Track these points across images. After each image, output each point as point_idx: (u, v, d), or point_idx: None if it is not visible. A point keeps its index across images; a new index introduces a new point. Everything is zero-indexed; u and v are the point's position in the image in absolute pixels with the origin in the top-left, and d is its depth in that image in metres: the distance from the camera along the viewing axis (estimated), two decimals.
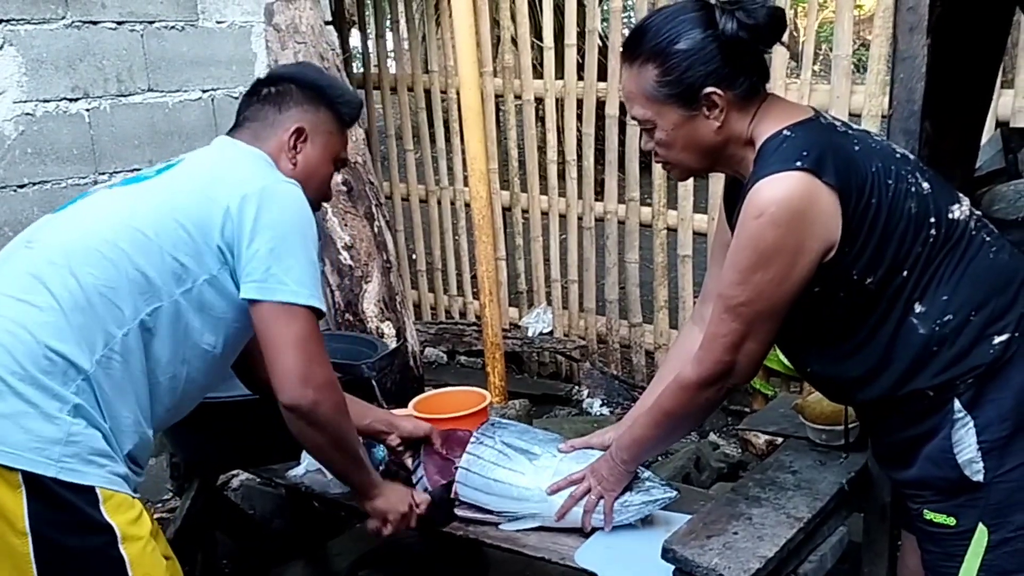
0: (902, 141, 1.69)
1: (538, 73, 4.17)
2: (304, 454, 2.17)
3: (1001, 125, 2.84)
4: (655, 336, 4.05)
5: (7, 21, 2.92)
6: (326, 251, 3.40)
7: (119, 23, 3.19)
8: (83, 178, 3.15)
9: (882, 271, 1.43)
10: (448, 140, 4.53)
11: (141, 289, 1.49)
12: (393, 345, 3.06)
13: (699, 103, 1.46)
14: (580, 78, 4.00)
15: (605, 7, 5.46)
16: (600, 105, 3.95)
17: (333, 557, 2.77)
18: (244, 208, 1.52)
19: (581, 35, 4.00)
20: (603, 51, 4.14)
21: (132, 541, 1.43)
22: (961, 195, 1.52)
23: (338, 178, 3.32)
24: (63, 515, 1.39)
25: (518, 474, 1.83)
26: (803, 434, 1.96)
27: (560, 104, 4.14)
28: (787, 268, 1.40)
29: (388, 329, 3.42)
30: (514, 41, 4.17)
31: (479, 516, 1.86)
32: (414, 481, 1.93)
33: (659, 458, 3.17)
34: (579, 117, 4.04)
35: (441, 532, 1.89)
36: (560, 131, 4.21)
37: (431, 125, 4.59)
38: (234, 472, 3.07)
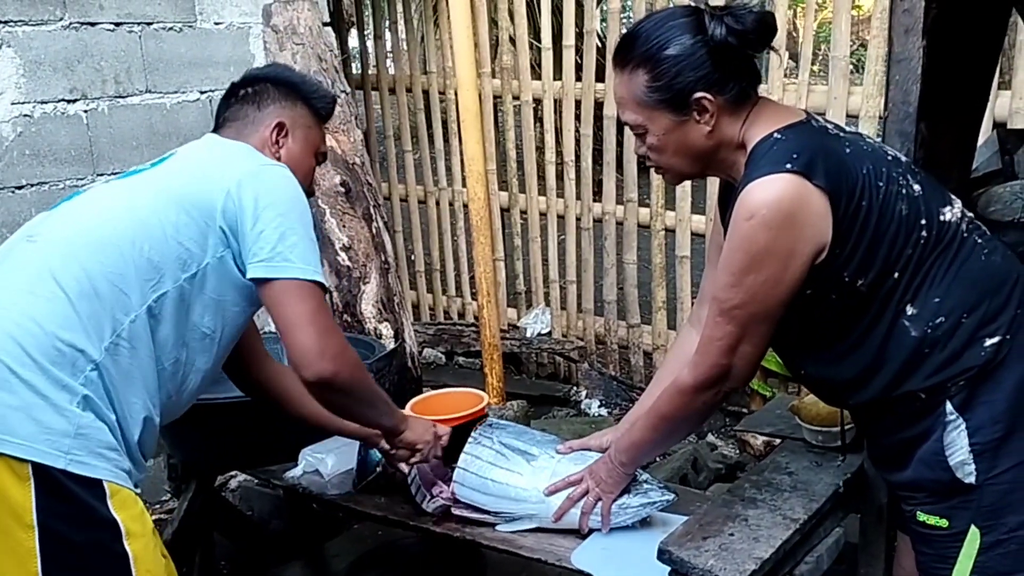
0: (898, 143, 1.69)
1: (536, 74, 4.17)
2: (302, 455, 2.17)
3: (998, 126, 2.84)
4: (653, 337, 4.05)
5: (5, 23, 2.92)
6: (324, 252, 3.40)
7: (117, 24, 3.19)
8: (81, 179, 3.15)
9: (873, 273, 1.43)
10: (447, 141, 4.53)
11: (148, 276, 1.51)
12: (391, 346, 3.05)
13: (689, 108, 1.46)
14: (578, 79, 4.00)
15: (603, 8, 5.45)
16: (598, 106, 3.96)
17: (331, 558, 2.77)
18: (243, 190, 1.56)
19: (579, 36, 4.00)
20: (601, 52, 4.15)
21: (136, 537, 1.44)
22: (953, 197, 1.52)
23: (336, 179, 3.33)
24: (70, 508, 1.39)
25: (516, 475, 1.83)
26: (800, 435, 1.96)
27: (558, 105, 4.14)
28: (779, 270, 1.41)
29: (386, 330, 3.42)
30: (512, 42, 4.17)
31: (476, 516, 1.87)
32: (409, 482, 1.93)
33: (657, 459, 3.17)
34: (577, 118, 4.04)
35: (438, 533, 1.90)
36: (558, 132, 4.21)
37: (429, 126, 4.59)
38: (232, 473, 3.07)
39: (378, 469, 2.06)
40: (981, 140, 2.25)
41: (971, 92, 2.00)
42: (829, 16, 4.05)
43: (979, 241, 1.49)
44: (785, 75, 3.56)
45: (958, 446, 1.43)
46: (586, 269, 4.22)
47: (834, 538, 1.74)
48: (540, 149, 4.29)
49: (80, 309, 1.45)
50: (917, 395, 1.46)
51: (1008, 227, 1.97)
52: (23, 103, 2.99)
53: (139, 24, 3.25)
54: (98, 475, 1.41)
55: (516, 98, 4.24)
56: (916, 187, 1.47)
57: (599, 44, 4.58)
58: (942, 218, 1.46)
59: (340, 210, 3.47)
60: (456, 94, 3.89)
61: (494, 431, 1.93)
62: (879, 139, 1.73)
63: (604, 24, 4.61)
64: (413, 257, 4.99)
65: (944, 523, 1.48)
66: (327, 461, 2.12)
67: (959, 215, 1.49)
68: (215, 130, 1.79)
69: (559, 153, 4.16)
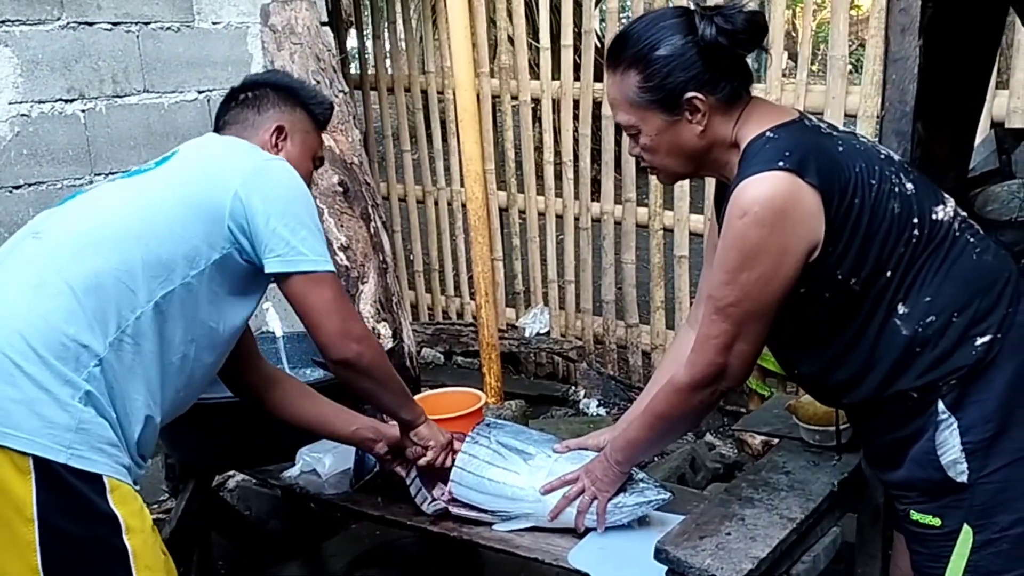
0: (895, 142, 1.69)
1: (534, 74, 4.17)
2: (299, 455, 2.17)
3: (995, 125, 2.85)
4: (652, 336, 4.05)
5: (2, 22, 2.92)
6: None
7: (115, 24, 3.19)
8: (79, 179, 3.15)
9: (866, 272, 1.43)
10: (445, 141, 4.53)
11: (156, 272, 1.53)
12: (389, 345, 3.06)
13: (681, 108, 1.47)
14: (576, 79, 4.00)
15: (601, 7, 5.46)
16: (596, 106, 3.96)
17: (328, 558, 2.77)
18: (250, 189, 1.59)
19: (578, 36, 4.00)
20: (600, 52, 4.14)
21: (135, 533, 1.44)
22: (946, 196, 1.52)
23: (334, 179, 3.32)
24: (70, 502, 1.40)
25: (513, 474, 1.83)
26: (797, 435, 1.96)
27: (556, 105, 4.14)
28: (773, 267, 1.41)
29: (384, 330, 3.41)
30: (511, 41, 4.17)
31: (473, 515, 1.87)
32: (408, 483, 1.93)
33: (654, 458, 3.17)
34: (576, 117, 4.04)
35: (435, 533, 1.90)
36: (557, 132, 4.22)
37: (428, 126, 4.59)
38: (230, 473, 3.07)
39: (375, 469, 2.06)
40: (978, 139, 2.25)
41: (968, 91, 2.00)
42: (827, 16, 4.05)
43: (971, 240, 1.49)
44: (783, 75, 3.56)
45: (950, 445, 1.44)
46: (584, 269, 4.22)
47: (831, 537, 1.74)
48: (538, 149, 4.29)
49: (85, 304, 1.46)
50: (909, 394, 1.46)
51: (1005, 226, 1.97)
52: (20, 103, 2.98)
53: (137, 24, 3.25)
54: (98, 470, 1.42)
55: (514, 98, 4.25)
56: (909, 186, 1.47)
57: (597, 44, 4.58)
58: (934, 217, 1.47)
59: (338, 210, 3.46)
60: (454, 94, 3.89)
61: (491, 430, 1.93)
62: (876, 139, 1.73)
63: (602, 24, 4.62)
64: (411, 257, 4.99)
65: (937, 522, 1.48)
66: (325, 461, 2.12)
67: (951, 214, 1.49)
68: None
69: (557, 153, 4.16)
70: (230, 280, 1.63)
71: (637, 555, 1.63)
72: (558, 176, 4.20)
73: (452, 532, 1.88)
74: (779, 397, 2.77)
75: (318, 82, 3.19)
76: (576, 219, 4.17)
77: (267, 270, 1.61)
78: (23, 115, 3.00)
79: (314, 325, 1.64)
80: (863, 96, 3.23)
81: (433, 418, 2.13)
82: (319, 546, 2.80)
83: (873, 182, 1.43)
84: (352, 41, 5.14)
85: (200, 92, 3.45)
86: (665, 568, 1.54)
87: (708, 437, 3.62)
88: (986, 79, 2.14)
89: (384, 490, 2.03)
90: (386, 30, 4.99)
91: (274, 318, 2.61)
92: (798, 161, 1.38)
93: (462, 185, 4.04)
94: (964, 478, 1.43)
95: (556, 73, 4.07)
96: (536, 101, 4.18)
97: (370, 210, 3.54)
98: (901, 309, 1.45)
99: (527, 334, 4.26)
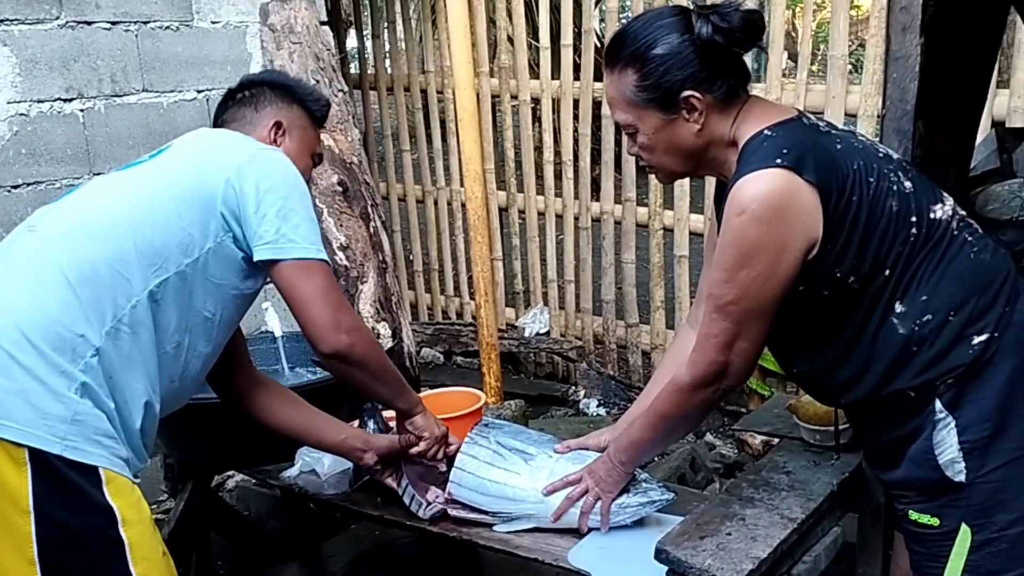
0: (896, 141, 1.69)
1: (534, 73, 4.16)
2: (298, 455, 2.17)
3: (996, 125, 2.84)
4: (652, 336, 4.04)
5: (1, 21, 2.91)
6: None
7: (113, 23, 3.19)
8: (77, 178, 3.15)
9: (865, 269, 1.43)
10: (445, 140, 4.53)
11: (150, 261, 1.53)
12: (389, 345, 3.05)
13: (678, 107, 1.47)
14: (576, 78, 4.00)
15: (601, 7, 5.46)
16: (596, 105, 3.96)
17: (328, 558, 2.76)
18: (243, 176, 1.59)
19: (577, 35, 4.00)
20: (599, 51, 4.13)
21: (132, 525, 1.44)
22: (945, 194, 1.52)
23: (333, 178, 3.32)
24: (66, 494, 1.40)
25: (513, 474, 1.83)
26: (797, 435, 1.96)
27: (556, 104, 4.14)
28: (771, 265, 1.41)
29: (384, 330, 3.41)
30: (510, 41, 4.17)
31: (474, 516, 1.86)
32: (400, 493, 1.92)
33: (655, 458, 3.16)
34: (575, 117, 4.04)
35: (435, 533, 1.89)
36: (556, 131, 4.21)
37: (428, 125, 4.59)
38: (229, 473, 3.07)
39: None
40: (979, 138, 2.24)
41: (969, 90, 2.00)
42: (827, 16, 4.05)
43: (969, 239, 1.49)
44: (784, 75, 3.56)
45: (947, 444, 1.43)
46: (584, 269, 4.21)
47: (832, 537, 1.73)
48: (538, 148, 4.29)
49: (81, 294, 1.46)
50: (906, 393, 1.46)
51: (1006, 225, 1.97)
52: (19, 102, 2.98)
53: (135, 23, 3.24)
54: (94, 462, 1.42)
55: (514, 97, 4.24)
56: (907, 184, 1.47)
57: (597, 43, 4.57)
58: (932, 215, 1.46)
59: (337, 209, 3.46)
60: (454, 94, 3.89)
61: (490, 431, 1.92)
62: (877, 138, 1.73)
63: (602, 23, 4.62)
64: (411, 257, 4.99)
65: (935, 522, 1.48)
66: (324, 461, 2.11)
67: (950, 212, 1.49)
68: None
69: (557, 152, 4.16)
70: (225, 270, 1.63)
71: (637, 555, 1.63)
72: (558, 176, 4.20)
73: (452, 532, 1.87)
74: (779, 397, 2.77)
75: (317, 81, 3.18)
76: (576, 219, 4.16)
77: (256, 257, 1.60)
78: (22, 114, 2.99)
79: (303, 315, 1.62)
80: (863, 95, 3.22)
81: None
82: (318, 546, 2.80)
83: (871, 180, 1.43)
84: (351, 40, 5.14)
85: (199, 91, 3.44)
86: (665, 568, 1.53)
87: (708, 437, 3.62)
88: (987, 78, 2.13)
89: (383, 490, 2.02)
90: (386, 29, 4.98)
91: (274, 318, 2.60)
92: (796, 158, 1.38)
93: (462, 185, 4.04)
94: (962, 477, 1.43)
95: (556, 73, 4.07)
96: (536, 101, 4.18)
97: (369, 210, 3.54)
98: (898, 308, 1.45)
99: (527, 334, 4.26)
